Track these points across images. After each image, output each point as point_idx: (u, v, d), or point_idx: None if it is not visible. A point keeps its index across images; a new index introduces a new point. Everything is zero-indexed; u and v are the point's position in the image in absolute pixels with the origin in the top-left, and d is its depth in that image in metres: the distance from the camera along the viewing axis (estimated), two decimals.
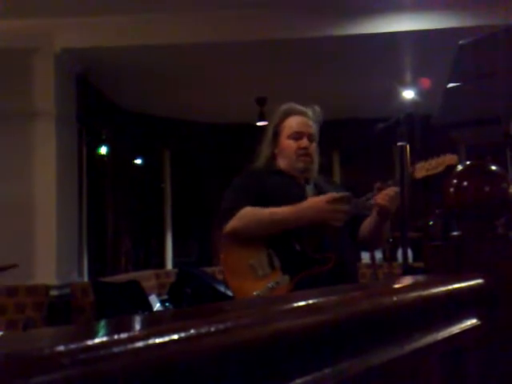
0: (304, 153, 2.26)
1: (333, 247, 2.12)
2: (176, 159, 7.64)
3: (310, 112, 2.33)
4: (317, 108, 2.35)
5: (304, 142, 2.27)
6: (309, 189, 2.26)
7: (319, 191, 2.26)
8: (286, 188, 2.23)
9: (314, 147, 2.30)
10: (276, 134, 2.30)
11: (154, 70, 5.44)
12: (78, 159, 5.35)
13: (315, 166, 2.31)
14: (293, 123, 2.29)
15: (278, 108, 2.36)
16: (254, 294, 2.07)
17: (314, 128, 2.31)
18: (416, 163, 2.13)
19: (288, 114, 2.31)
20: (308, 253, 2.11)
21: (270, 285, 2.09)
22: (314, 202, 2.10)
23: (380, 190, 2.13)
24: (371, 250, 2.97)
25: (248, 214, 2.14)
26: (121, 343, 0.49)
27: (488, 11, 4.41)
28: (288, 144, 2.27)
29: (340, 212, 2.08)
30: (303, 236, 2.12)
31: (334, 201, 2.08)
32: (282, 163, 2.29)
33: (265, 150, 2.33)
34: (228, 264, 2.20)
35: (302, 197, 2.20)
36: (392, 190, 2.08)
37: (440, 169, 2.05)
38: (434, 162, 2.09)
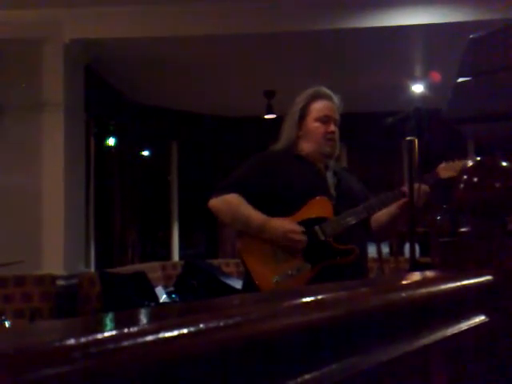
0: (332, 137, 2.26)
1: (354, 239, 2.13)
2: (183, 151, 7.64)
3: (335, 97, 2.32)
4: (337, 96, 2.35)
5: (332, 126, 2.26)
6: (329, 176, 2.26)
7: (338, 178, 2.26)
8: (307, 174, 2.22)
9: (338, 133, 2.30)
10: (302, 116, 2.28)
11: (163, 61, 5.43)
12: (86, 150, 5.35)
13: (337, 152, 2.32)
14: (321, 106, 2.27)
15: (303, 91, 2.33)
16: (274, 279, 2.08)
17: (338, 114, 2.31)
18: (441, 163, 2.13)
19: (315, 96, 2.29)
20: (331, 243, 2.11)
21: (290, 271, 2.09)
22: (278, 226, 2.10)
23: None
24: (381, 240, 2.97)
25: (230, 203, 2.18)
26: (131, 337, 0.49)
27: (500, 5, 4.37)
28: (316, 127, 2.25)
29: (296, 243, 2.10)
30: (327, 226, 2.13)
31: (294, 230, 2.10)
32: (305, 146, 2.27)
33: (288, 132, 2.30)
34: (247, 245, 2.20)
35: (322, 184, 2.21)
36: (418, 186, 2.07)
37: None
38: (460, 163, 2.09)
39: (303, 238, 2.10)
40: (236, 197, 2.15)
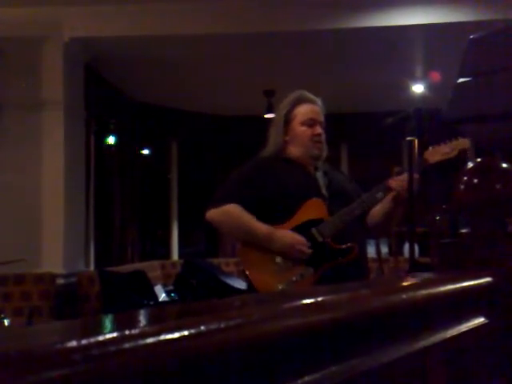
0: (319, 139, 2.26)
1: (352, 238, 2.13)
2: (183, 150, 7.64)
3: (319, 101, 2.32)
4: (320, 99, 2.35)
5: (318, 128, 2.27)
6: (319, 176, 2.26)
7: (329, 179, 2.26)
8: (298, 177, 2.22)
9: (324, 135, 2.30)
10: (287, 121, 2.28)
11: (163, 60, 5.43)
12: (86, 149, 5.35)
13: (325, 154, 2.32)
14: (306, 110, 2.27)
15: (288, 95, 2.34)
16: (279, 287, 2.07)
17: (322, 116, 2.32)
18: (428, 148, 2.13)
19: (300, 101, 2.29)
20: (330, 244, 2.11)
21: (294, 278, 2.08)
22: (286, 237, 2.10)
23: (398, 174, 2.13)
24: (379, 236, 2.97)
25: (231, 214, 2.17)
26: (132, 339, 0.49)
27: (500, 5, 4.37)
28: (302, 130, 2.26)
29: (303, 254, 2.10)
30: (323, 227, 2.13)
31: (302, 242, 2.10)
32: (293, 150, 2.27)
33: (275, 138, 2.30)
34: (246, 256, 2.19)
35: (314, 186, 2.21)
36: (407, 175, 2.07)
37: (453, 153, 2.06)
38: (446, 146, 2.10)
39: (310, 250, 2.10)
40: (235, 207, 2.15)
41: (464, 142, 2.04)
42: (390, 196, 2.16)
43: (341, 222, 2.13)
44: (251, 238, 2.15)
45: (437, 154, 2.13)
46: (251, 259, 2.16)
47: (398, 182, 2.12)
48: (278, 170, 2.23)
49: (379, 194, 2.17)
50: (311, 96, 2.32)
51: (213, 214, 2.20)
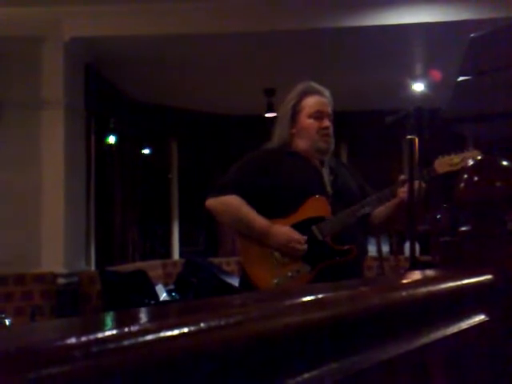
0: (326, 133, 2.24)
1: (351, 239, 2.13)
2: (183, 149, 7.64)
3: (326, 91, 2.30)
4: (327, 90, 2.33)
5: (325, 121, 2.24)
6: (325, 172, 2.24)
7: (335, 175, 2.25)
8: (302, 171, 2.21)
9: (332, 128, 2.28)
10: (295, 114, 2.25)
11: (163, 59, 5.43)
12: (86, 148, 5.35)
13: (333, 147, 2.30)
14: (313, 102, 2.24)
15: (294, 87, 2.31)
16: (274, 281, 2.07)
17: (330, 108, 2.29)
18: (437, 158, 2.12)
19: (307, 92, 2.26)
20: (330, 243, 2.11)
21: (289, 273, 2.08)
22: (281, 234, 2.10)
23: (403, 182, 2.11)
24: (378, 235, 2.96)
25: (229, 205, 2.16)
26: (132, 336, 0.49)
27: (501, 4, 4.36)
28: (309, 123, 2.23)
29: (297, 252, 2.10)
30: (324, 226, 2.12)
31: (298, 240, 2.10)
32: (300, 143, 2.25)
33: (281, 130, 2.27)
34: (245, 249, 2.19)
35: (319, 181, 2.20)
36: (415, 184, 2.07)
37: (463, 165, 2.05)
38: (456, 157, 2.08)
39: (305, 247, 2.10)
40: (236, 198, 2.14)
41: (475, 154, 2.02)
42: (395, 202, 2.16)
43: (342, 222, 2.13)
44: (248, 231, 2.14)
45: (446, 164, 2.12)
46: (250, 252, 2.16)
47: (405, 190, 2.10)
48: (283, 162, 2.21)
49: (384, 199, 2.16)
50: (318, 87, 2.29)
51: (212, 202, 2.19)
